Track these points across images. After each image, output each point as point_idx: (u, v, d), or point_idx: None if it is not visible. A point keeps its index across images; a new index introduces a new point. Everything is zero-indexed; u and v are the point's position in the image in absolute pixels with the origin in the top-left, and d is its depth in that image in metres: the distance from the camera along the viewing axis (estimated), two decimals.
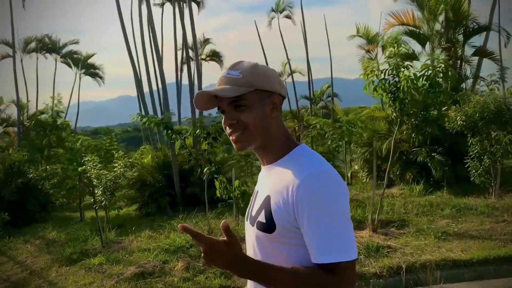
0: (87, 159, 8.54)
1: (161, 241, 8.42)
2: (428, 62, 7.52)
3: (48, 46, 22.54)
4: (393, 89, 6.97)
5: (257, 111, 1.34)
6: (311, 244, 1.22)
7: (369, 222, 7.26)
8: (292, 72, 22.90)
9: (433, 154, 9.57)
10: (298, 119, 18.90)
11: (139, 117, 7.07)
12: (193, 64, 19.01)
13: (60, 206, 14.71)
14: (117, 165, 8.65)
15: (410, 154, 9.73)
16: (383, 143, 9.93)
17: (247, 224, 1.47)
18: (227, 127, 1.39)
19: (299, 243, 1.26)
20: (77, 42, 24.11)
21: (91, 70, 25.02)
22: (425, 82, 6.95)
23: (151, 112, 17.23)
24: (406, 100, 6.99)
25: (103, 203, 8.63)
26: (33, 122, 14.53)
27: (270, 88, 1.36)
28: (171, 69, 20.43)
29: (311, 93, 19.84)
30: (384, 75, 7.07)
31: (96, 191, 8.78)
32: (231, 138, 1.40)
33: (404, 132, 7.27)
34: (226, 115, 1.38)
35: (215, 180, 7.52)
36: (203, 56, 23.26)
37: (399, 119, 7.14)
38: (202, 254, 1.22)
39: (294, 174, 1.26)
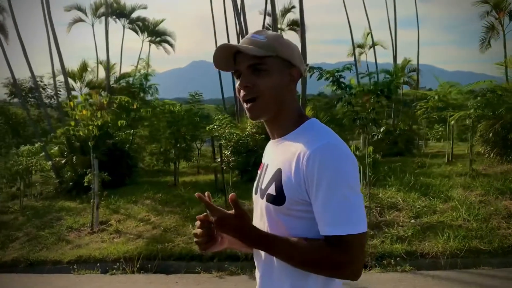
0: (218, 117, 8.22)
1: None
2: None
3: (116, 11, 22.37)
4: None
5: (275, 78, 1.31)
6: (320, 217, 1.21)
7: None
8: (374, 44, 22.15)
9: None
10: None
11: (308, 68, 6.62)
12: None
13: (143, 171, 14.62)
14: (248, 125, 8.31)
15: None
16: None
17: (256, 197, 1.45)
18: (242, 91, 1.33)
19: (307, 216, 1.24)
20: (145, 7, 23.71)
21: (160, 37, 24.57)
22: None
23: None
24: None
25: (230, 164, 8.31)
26: (120, 84, 14.33)
27: (291, 59, 1.34)
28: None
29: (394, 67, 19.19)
30: None
31: (225, 151, 8.47)
32: (245, 105, 1.35)
33: None
34: (242, 78, 1.33)
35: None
36: (283, 26, 22.47)
37: None
38: (213, 223, 1.27)
39: (304, 146, 1.25)
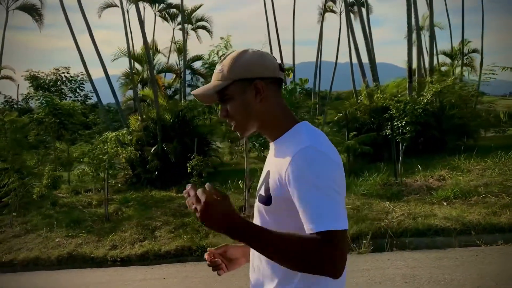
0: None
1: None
2: None
3: None
4: None
5: (239, 101, 1.38)
6: (303, 216, 1.22)
7: None
8: (432, 26, 21.68)
9: None
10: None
11: None
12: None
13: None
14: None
15: None
16: None
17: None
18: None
19: (295, 214, 1.25)
20: None
21: (199, 24, 23.03)
22: None
23: None
24: None
25: (407, 135, 7.71)
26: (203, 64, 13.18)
27: (249, 76, 1.37)
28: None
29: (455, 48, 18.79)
30: None
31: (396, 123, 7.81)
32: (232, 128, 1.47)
33: None
34: (219, 111, 1.47)
35: None
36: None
37: None
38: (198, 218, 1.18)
39: (287, 151, 1.30)
